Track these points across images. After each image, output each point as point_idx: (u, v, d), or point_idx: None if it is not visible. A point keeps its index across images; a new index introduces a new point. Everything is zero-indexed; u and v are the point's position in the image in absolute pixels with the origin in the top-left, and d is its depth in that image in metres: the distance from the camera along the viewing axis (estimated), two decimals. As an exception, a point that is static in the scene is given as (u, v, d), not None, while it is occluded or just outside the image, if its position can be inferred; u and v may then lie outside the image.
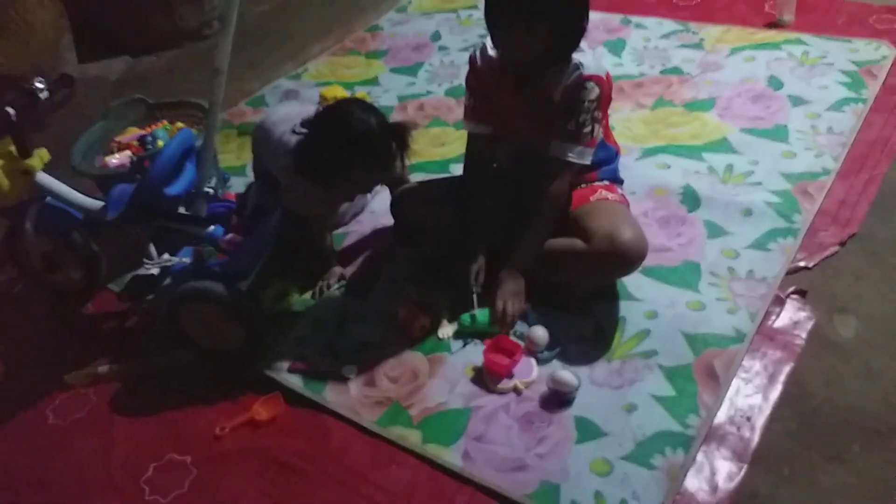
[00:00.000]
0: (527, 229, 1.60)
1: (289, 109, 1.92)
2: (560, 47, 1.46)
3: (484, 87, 1.63)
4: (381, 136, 1.57)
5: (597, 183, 1.69)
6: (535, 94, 1.54)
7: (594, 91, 1.48)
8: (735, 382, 1.48)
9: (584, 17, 1.46)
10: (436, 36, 3.05)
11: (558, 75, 1.50)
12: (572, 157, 1.52)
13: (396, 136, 1.59)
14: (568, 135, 1.51)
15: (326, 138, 1.57)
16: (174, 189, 1.67)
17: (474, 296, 1.65)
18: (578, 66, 1.48)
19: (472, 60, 1.63)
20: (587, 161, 1.55)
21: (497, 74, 1.58)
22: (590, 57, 1.50)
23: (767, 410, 1.43)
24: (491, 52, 1.58)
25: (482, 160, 1.73)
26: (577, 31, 1.46)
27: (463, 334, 1.66)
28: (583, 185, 1.68)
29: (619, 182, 1.76)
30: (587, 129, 1.50)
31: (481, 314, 1.63)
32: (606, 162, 1.71)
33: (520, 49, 1.45)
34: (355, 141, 1.55)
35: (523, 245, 1.61)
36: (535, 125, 1.59)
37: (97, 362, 1.77)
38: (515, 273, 1.62)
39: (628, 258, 1.53)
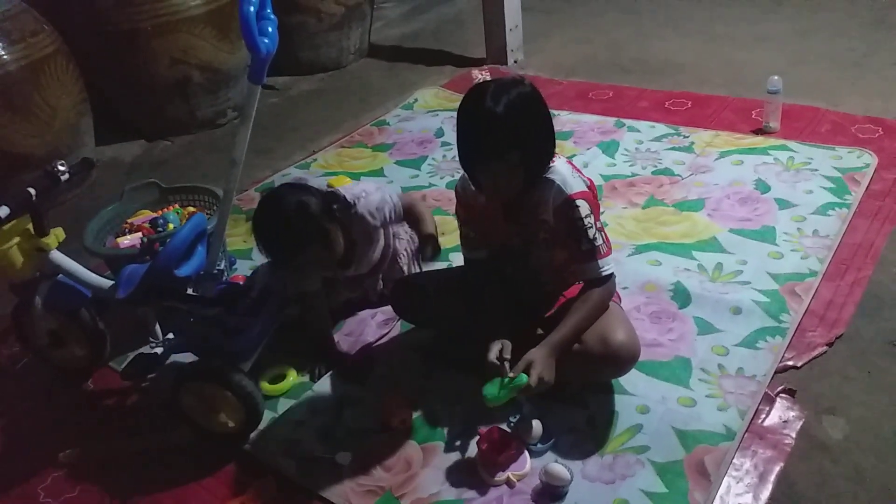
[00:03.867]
0: (567, 316, 1.56)
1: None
2: (533, 169, 1.53)
3: (474, 216, 1.70)
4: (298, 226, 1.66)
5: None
6: (527, 220, 1.61)
7: (584, 207, 1.54)
8: (726, 481, 1.49)
9: (551, 136, 1.55)
10: (439, 132, 3.18)
11: (544, 196, 1.56)
12: (607, 270, 1.56)
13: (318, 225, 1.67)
14: (588, 255, 1.55)
15: (256, 227, 1.69)
16: (184, 270, 1.71)
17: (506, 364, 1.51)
18: (562, 188, 1.54)
19: (457, 193, 1.70)
20: (612, 269, 1.58)
21: (483, 206, 1.65)
22: (566, 174, 1.55)
23: (758, 511, 1.43)
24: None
25: (483, 278, 1.74)
26: (546, 150, 1.54)
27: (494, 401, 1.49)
28: (578, 283, 1.72)
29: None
30: (599, 242, 1.55)
31: (518, 379, 1.47)
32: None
33: (501, 183, 1.51)
34: (274, 234, 1.68)
35: (562, 328, 1.54)
36: (530, 246, 1.66)
37: (93, 441, 1.77)
38: (548, 353, 1.52)
39: (620, 360, 1.57)
